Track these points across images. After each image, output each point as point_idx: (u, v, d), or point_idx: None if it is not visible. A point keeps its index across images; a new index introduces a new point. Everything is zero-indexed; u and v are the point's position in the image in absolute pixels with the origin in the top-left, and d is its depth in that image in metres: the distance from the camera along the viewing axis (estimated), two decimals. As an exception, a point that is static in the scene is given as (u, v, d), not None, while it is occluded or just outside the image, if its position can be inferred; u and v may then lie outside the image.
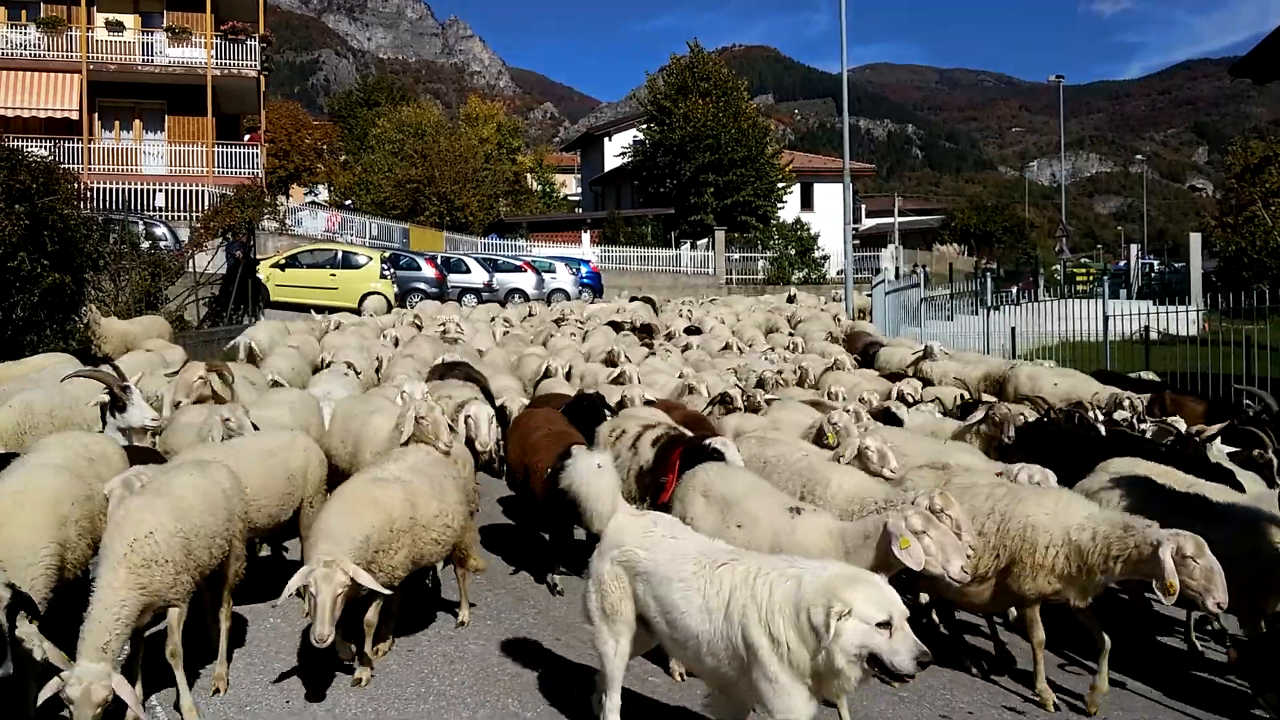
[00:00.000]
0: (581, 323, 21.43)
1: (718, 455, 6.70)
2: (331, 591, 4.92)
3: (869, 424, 8.45)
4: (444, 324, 18.10)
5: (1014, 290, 23.65)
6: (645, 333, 19.52)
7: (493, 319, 22.06)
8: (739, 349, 17.40)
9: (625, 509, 5.09)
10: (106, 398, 7.31)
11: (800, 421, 9.03)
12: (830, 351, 16.27)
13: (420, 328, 18.56)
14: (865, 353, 16.75)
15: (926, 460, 7.14)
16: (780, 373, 13.12)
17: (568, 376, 12.99)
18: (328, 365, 12.76)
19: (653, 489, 7.14)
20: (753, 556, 4.44)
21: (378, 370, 12.98)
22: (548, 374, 12.81)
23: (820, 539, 5.23)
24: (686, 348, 17.13)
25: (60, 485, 5.24)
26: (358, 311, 24.14)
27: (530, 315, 24.09)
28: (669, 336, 19.45)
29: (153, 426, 7.28)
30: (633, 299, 28.85)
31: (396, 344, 15.69)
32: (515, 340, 17.99)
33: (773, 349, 17.22)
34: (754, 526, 5.48)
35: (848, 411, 8.70)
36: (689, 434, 7.59)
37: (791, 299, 29.31)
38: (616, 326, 19.99)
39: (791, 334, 20.07)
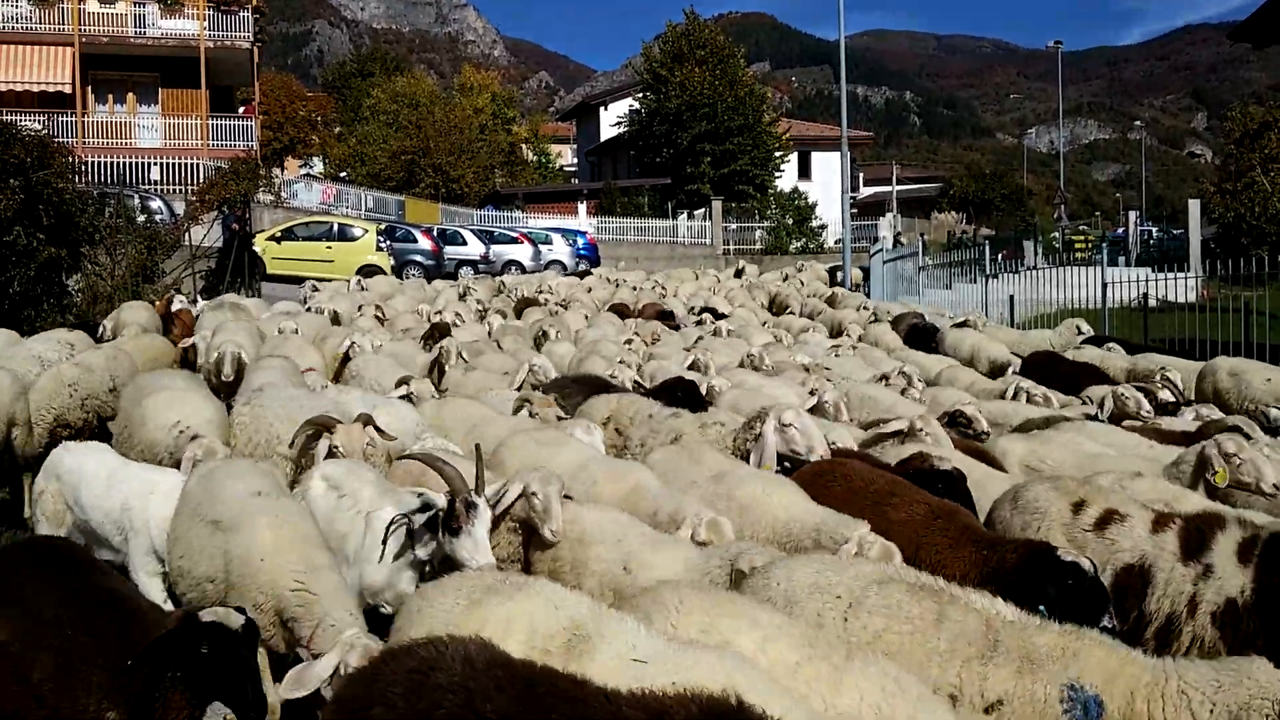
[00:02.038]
0: (562, 305, 18.32)
1: None
2: None
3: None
4: (441, 311, 15.31)
5: (998, 259, 23.22)
6: (661, 320, 16.23)
7: (462, 298, 18.68)
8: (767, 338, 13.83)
9: None
10: (439, 508, 4.82)
11: (1093, 452, 6.39)
12: (893, 346, 13.85)
13: (382, 321, 14.90)
14: (915, 339, 14.40)
15: None
16: (887, 377, 10.33)
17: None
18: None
19: None
20: None
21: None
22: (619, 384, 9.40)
23: None
24: (715, 333, 14.23)
25: None
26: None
27: (500, 293, 20.68)
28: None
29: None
30: (571, 274, 27.83)
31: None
32: (513, 333, 14.12)
33: (838, 343, 13.99)
34: None
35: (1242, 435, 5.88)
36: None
37: (740, 273, 27.86)
38: (620, 312, 17.22)
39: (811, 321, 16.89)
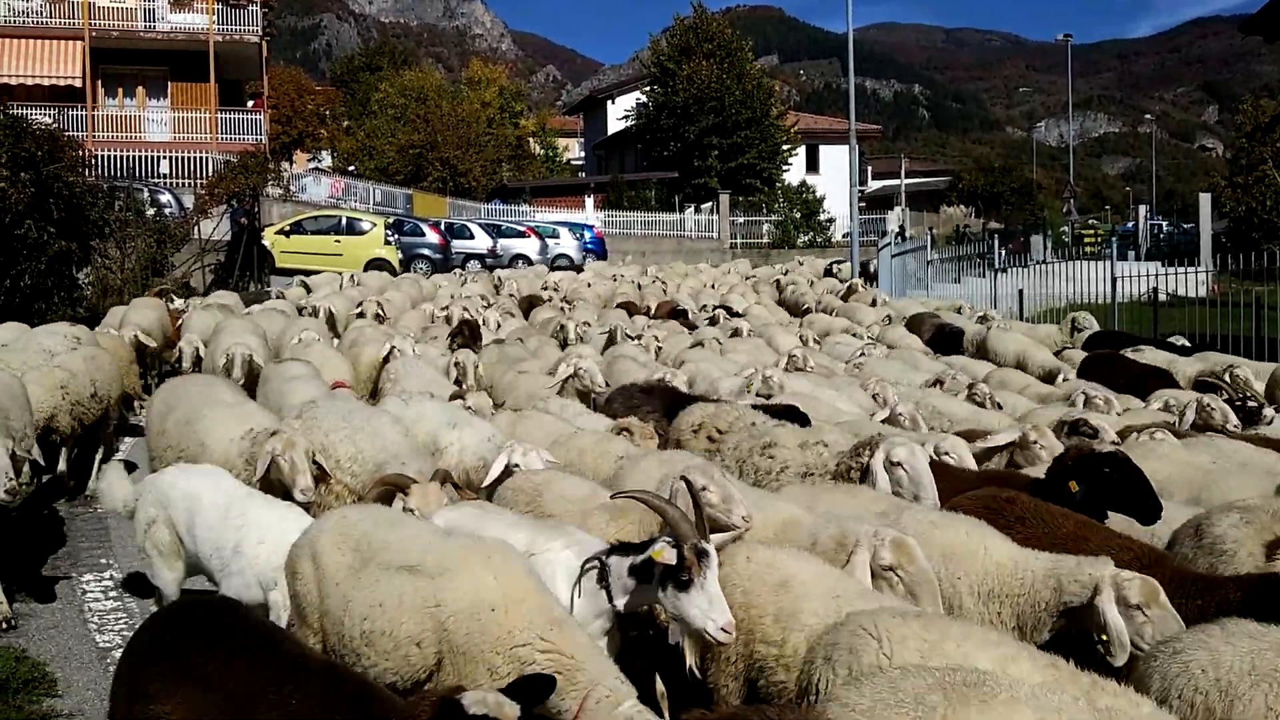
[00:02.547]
0: (567, 302, 17.83)
1: None
2: None
3: None
4: (448, 307, 14.64)
5: (1004, 252, 23.08)
6: (675, 318, 15.76)
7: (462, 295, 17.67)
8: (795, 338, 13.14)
9: None
10: (667, 554, 3.84)
11: (1205, 466, 5.76)
12: (916, 348, 12.87)
13: (381, 319, 14.05)
14: (940, 342, 13.63)
15: None
16: (941, 381, 9.39)
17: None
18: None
19: None
20: None
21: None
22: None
23: None
24: (735, 333, 13.28)
25: None
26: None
27: (498, 289, 20.10)
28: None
29: (725, 640, 3.82)
30: (570, 268, 27.52)
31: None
32: (525, 331, 13.39)
33: (868, 342, 13.22)
34: None
35: None
36: None
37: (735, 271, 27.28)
38: (629, 310, 16.41)
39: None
